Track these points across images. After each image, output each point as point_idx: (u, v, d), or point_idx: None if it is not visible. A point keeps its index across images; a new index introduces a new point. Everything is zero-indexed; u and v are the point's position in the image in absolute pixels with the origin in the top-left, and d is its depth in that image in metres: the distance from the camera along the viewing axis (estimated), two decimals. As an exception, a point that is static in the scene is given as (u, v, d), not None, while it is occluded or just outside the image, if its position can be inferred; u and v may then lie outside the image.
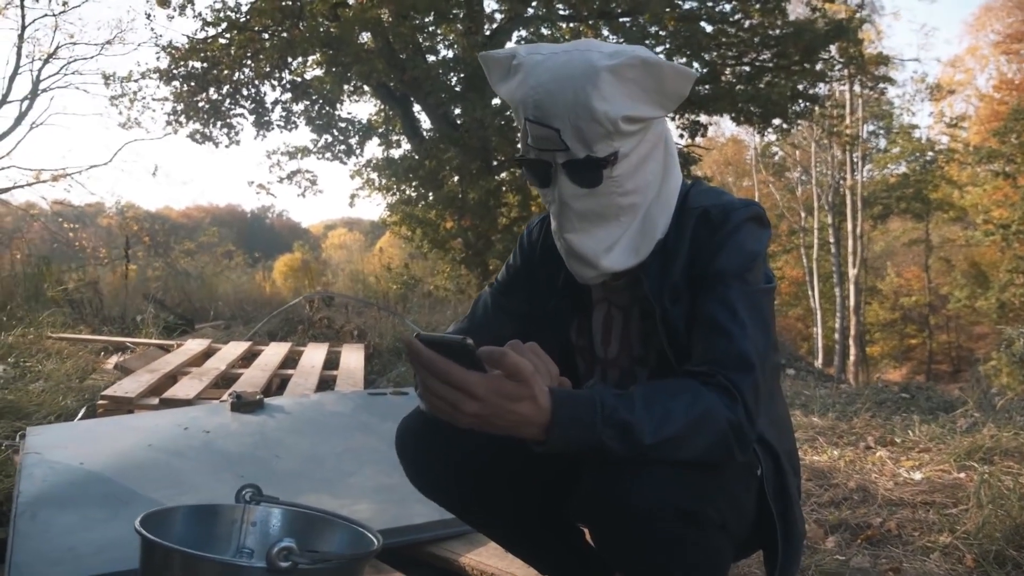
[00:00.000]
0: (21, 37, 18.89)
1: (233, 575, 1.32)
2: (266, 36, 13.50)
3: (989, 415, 4.09)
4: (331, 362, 5.14)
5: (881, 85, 17.57)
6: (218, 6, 13.65)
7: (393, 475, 1.57)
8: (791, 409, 4.37)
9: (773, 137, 21.67)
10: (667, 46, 13.07)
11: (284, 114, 14.99)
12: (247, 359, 5.09)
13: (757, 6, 13.13)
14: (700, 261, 1.31)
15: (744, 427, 1.18)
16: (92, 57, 26.61)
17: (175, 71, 14.10)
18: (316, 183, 16.05)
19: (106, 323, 7.14)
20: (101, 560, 1.86)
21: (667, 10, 12.67)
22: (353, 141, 15.23)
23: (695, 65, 13.17)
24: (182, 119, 14.62)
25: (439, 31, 13.86)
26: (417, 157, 13.52)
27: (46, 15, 21.35)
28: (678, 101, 1.32)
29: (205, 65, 13.92)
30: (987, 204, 24.25)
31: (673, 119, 13.79)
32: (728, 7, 13.45)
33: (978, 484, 2.44)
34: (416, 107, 13.96)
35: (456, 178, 13.25)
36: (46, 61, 19.82)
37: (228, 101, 14.63)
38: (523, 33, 13.55)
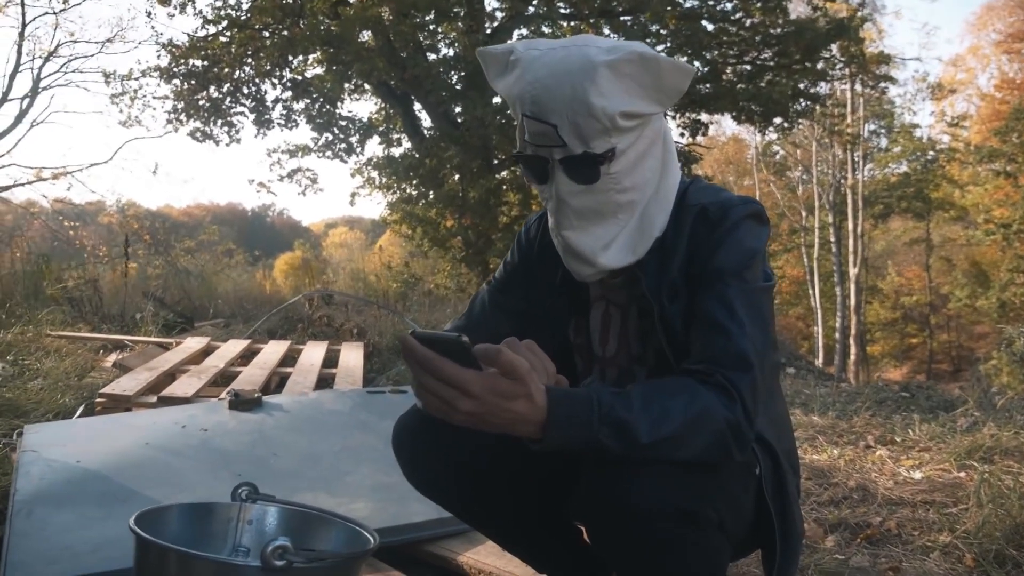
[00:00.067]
0: (22, 35, 18.90)
1: (228, 574, 1.31)
2: (267, 34, 13.48)
3: (989, 414, 4.08)
4: (330, 360, 5.14)
5: (882, 84, 17.54)
6: (219, 4, 13.64)
7: (391, 473, 1.56)
8: (791, 408, 4.37)
9: (774, 136, 21.62)
10: (668, 44, 13.05)
11: (285, 112, 14.98)
12: (246, 357, 5.08)
13: (758, 5, 13.10)
14: (698, 259, 1.30)
15: (742, 426, 1.17)
16: (93, 55, 26.65)
17: (175, 69, 14.08)
18: (317, 181, 16.04)
19: (105, 321, 7.13)
20: (97, 558, 1.85)
21: (668, 8, 12.65)
22: (354, 139, 15.21)
23: (696, 64, 13.16)
24: (182, 117, 14.60)
25: (440, 29, 13.84)
26: (418, 155, 13.50)
27: (47, 13, 21.30)
28: (676, 97, 1.31)
29: (206, 63, 13.89)
30: (988, 203, 24.24)
31: (674, 118, 13.80)
32: (729, 6, 13.43)
33: (978, 483, 2.43)
34: (417, 105, 13.95)
35: (457, 177, 13.23)
36: (47, 59, 19.82)
37: (229, 99, 14.60)
38: (524, 31, 13.53)
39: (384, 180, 14.79)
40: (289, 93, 14.74)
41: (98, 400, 3.61)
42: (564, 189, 1.29)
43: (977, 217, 24.81)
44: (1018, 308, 22.15)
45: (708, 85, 13.38)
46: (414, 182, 14.01)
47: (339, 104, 15.07)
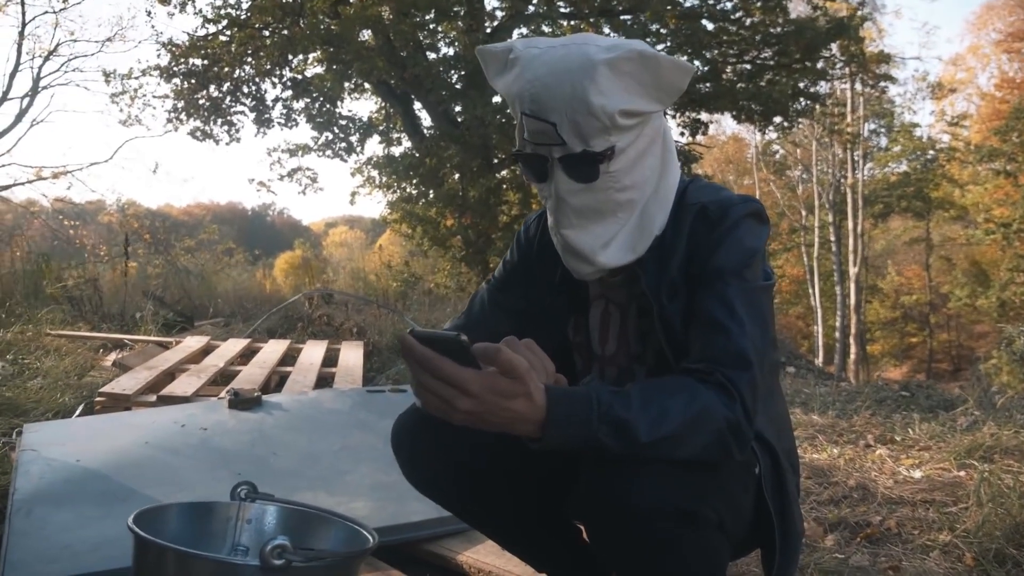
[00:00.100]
0: (22, 34, 18.91)
1: (227, 573, 1.31)
2: (267, 33, 13.48)
3: (989, 413, 4.08)
4: (330, 359, 5.14)
5: (882, 83, 17.52)
6: (219, 3, 13.65)
7: (391, 473, 1.56)
8: (791, 407, 4.36)
9: (774, 135, 21.63)
10: (668, 44, 13.05)
11: (285, 111, 14.98)
12: (246, 356, 5.08)
13: (758, 4, 13.10)
14: (698, 257, 1.30)
15: (742, 425, 1.17)
16: (93, 54, 26.79)
17: (175, 68, 14.08)
18: (317, 181, 16.04)
19: (105, 320, 7.13)
20: (97, 557, 1.85)
21: (668, 8, 12.65)
22: (354, 139, 15.20)
23: (696, 63, 13.16)
24: (182, 116, 14.60)
25: (440, 29, 13.84)
26: (418, 155, 13.50)
27: (47, 12, 21.35)
28: (676, 95, 1.31)
29: (206, 62, 13.89)
30: (988, 203, 24.25)
31: (674, 117, 13.80)
32: (729, 5, 13.44)
33: (978, 482, 2.43)
34: (417, 105, 13.95)
35: (457, 176, 13.24)
36: (47, 58, 19.83)
37: (229, 98, 14.60)
38: (524, 31, 13.52)
39: (384, 179, 14.78)
40: (289, 92, 14.75)
41: (97, 399, 3.61)
42: (563, 187, 1.29)
43: (977, 216, 24.81)
44: (1018, 307, 22.14)
45: (708, 84, 13.38)
46: (414, 181, 14.01)
47: (339, 103, 15.08)
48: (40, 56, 19.82)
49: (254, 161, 49.48)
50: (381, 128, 15.44)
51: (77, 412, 3.57)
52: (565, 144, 1.25)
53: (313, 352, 5.24)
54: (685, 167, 12.47)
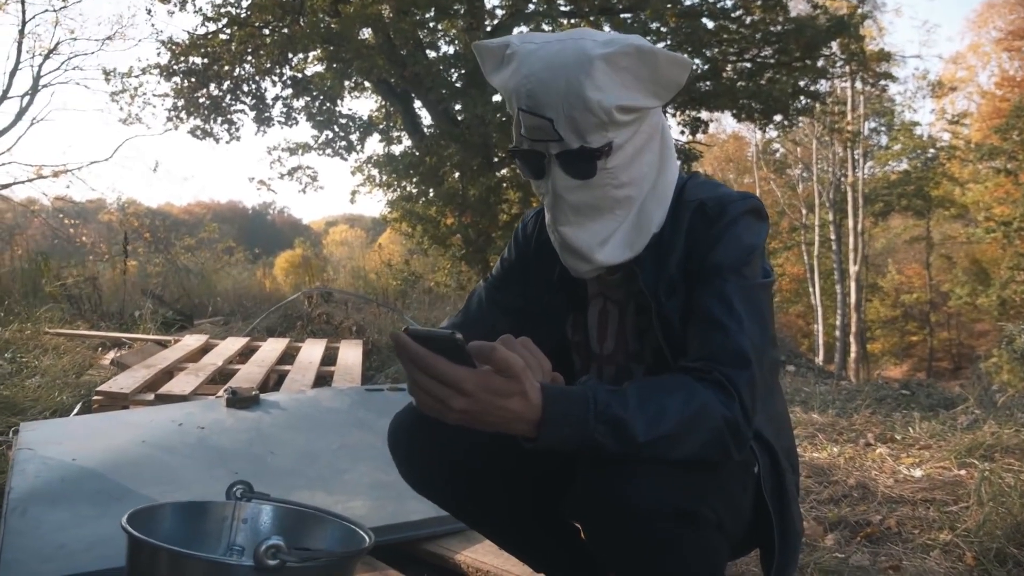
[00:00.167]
0: (22, 32, 18.93)
1: (221, 573, 1.30)
2: (267, 32, 13.47)
3: (990, 412, 4.07)
4: (329, 358, 5.13)
5: (882, 82, 17.47)
6: (219, 1, 13.64)
7: (389, 472, 1.55)
8: (791, 406, 4.36)
9: (774, 134, 21.66)
10: (668, 42, 13.04)
11: (285, 110, 14.97)
12: (244, 355, 5.07)
13: (758, 2, 13.09)
14: (696, 254, 1.29)
15: (740, 424, 1.16)
16: (93, 52, 26.68)
17: (175, 67, 14.06)
18: (317, 179, 15.99)
19: (104, 319, 7.13)
20: (92, 557, 1.84)
21: (668, 6, 12.64)
22: (354, 137, 15.19)
23: (696, 61, 13.15)
24: (183, 115, 14.58)
25: (440, 27, 13.83)
26: (418, 153, 13.49)
27: (47, 10, 21.36)
28: (674, 90, 1.29)
29: (206, 61, 13.88)
30: (988, 201, 24.24)
31: (674, 115, 13.80)
32: (729, 3, 13.43)
33: (979, 481, 2.42)
34: (417, 103, 13.94)
35: (457, 174, 13.22)
36: (47, 56, 19.84)
37: (229, 97, 14.59)
38: (524, 29, 13.49)
39: (384, 178, 14.77)
40: (289, 91, 14.74)
41: (95, 398, 3.60)
42: (560, 184, 1.28)
43: (977, 215, 24.81)
44: (1018, 306, 22.14)
45: (708, 83, 13.38)
46: (414, 180, 14.00)
47: (339, 102, 15.07)
48: (40, 54, 19.87)
49: (254, 160, 49.63)
50: (381, 127, 15.44)
51: (75, 411, 3.56)
52: (562, 140, 1.24)
53: (312, 351, 5.24)
54: (685, 165, 12.48)
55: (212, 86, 14.27)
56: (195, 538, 1.47)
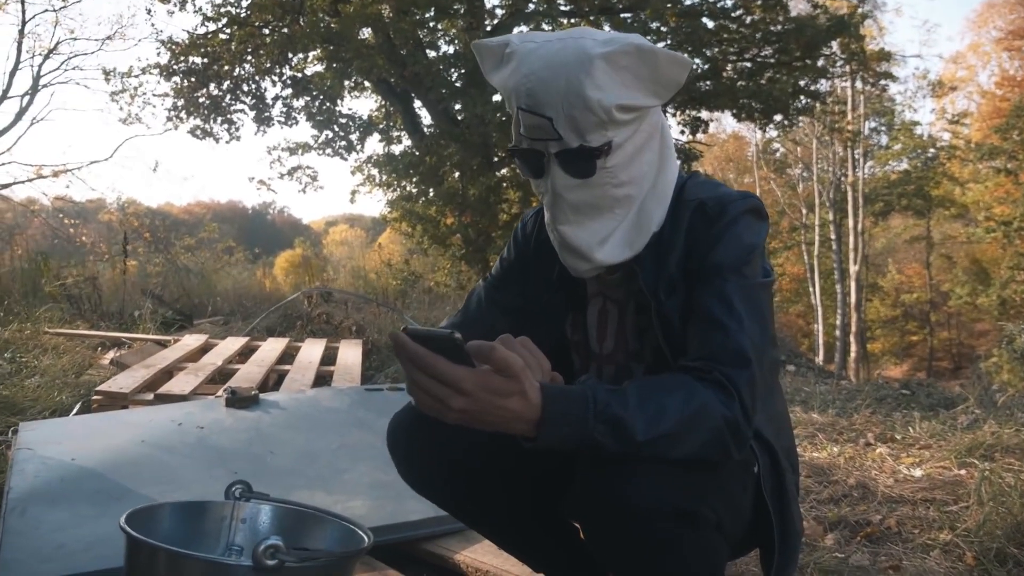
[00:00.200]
0: (22, 32, 18.93)
1: (219, 573, 1.29)
2: (266, 32, 13.47)
3: (990, 412, 4.07)
4: (328, 358, 5.13)
5: (883, 81, 17.48)
6: (219, 1, 13.64)
7: (389, 471, 1.55)
8: (791, 405, 4.35)
9: (774, 133, 21.64)
10: (668, 42, 13.04)
11: (284, 110, 14.96)
12: (244, 355, 5.07)
13: (759, 2, 13.09)
14: (696, 254, 1.28)
15: (740, 424, 1.15)
16: (93, 52, 26.69)
17: (175, 67, 14.06)
18: (317, 179, 15.99)
19: (104, 319, 7.13)
20: (91, 557, 1.84)
21: (668, 6, 12.64)
22: (354, 137, 15.19)
23: (696, 61, 13.15)
24: (182, 115, 14.58)
25: (440, 27, 13.83)
26: (418, 153, 13.49)
27: (47, 10, 21.34)
28: (674, 89, 1.29)
29: (205, 61, 13.88)
30: (988, 201, 24.25)
31: (674, 115, 13.80)
32: (729, 3, 13.43)
33: (979, 481, 2.42)
34: (417, 103, 13.94)
35: (457, 174, 13.22)
36: (46, 56, 19.85)
37: (228, 97, 14.59)
38: (524, 28, 13.50)
39: (384, 178, 14.77)
40: (289, 90, 14.74)
41: (94, 397, 3.60)
42: (560, 183, 1.27)
43: (978, 214, 24.81)
44: (1019, 305, 22.14)
45: (708, 82, 13.38)
46: (414, 179, 14.00)
47: (339, 101, 15.07)
48: (40, 54, 19.87)
49: (254, 159, 49.65)
50: (381, 126, 15.44)
51: (74, 411, 3.56)
52: (561, 139, 1.23)
53: (312, 350, 5.23)
54: (685, 165, 12.46)
55: (212, 86, 14.27)
56: (194, 538, 1.47)
